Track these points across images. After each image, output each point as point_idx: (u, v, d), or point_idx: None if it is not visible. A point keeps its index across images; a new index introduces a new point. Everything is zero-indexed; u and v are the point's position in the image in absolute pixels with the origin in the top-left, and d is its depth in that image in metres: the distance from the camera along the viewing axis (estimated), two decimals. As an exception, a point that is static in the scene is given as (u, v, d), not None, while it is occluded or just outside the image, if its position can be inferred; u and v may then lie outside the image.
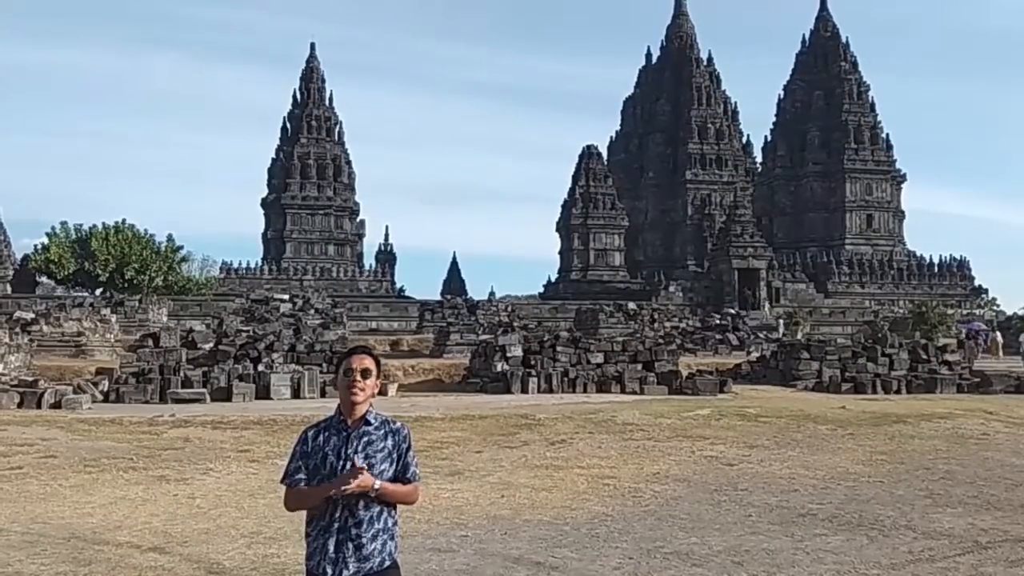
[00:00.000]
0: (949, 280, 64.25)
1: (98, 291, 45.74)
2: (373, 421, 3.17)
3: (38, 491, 8.17)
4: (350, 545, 3.07)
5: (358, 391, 3.14)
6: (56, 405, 15.65)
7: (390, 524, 3.16)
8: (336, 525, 3.08)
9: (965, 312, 54.06)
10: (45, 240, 50.35)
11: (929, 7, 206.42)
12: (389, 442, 3.16)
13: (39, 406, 15.57)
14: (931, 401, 18.24)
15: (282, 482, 3.19)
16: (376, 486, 3.06)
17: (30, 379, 18.17)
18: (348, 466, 3.07)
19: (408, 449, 3.20)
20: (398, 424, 3.22)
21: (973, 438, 12.54)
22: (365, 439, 3.13)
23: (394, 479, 3.15)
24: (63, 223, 50.88)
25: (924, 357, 23.39)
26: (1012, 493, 8.48)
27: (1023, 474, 9.61)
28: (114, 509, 7.42)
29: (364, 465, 3.06)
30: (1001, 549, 6.35)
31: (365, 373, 3.16)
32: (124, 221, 50.28)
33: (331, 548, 3.06)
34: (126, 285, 46.34)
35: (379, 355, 3.34)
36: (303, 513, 3.20)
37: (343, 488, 3.01)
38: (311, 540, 3.13)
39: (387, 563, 3.14)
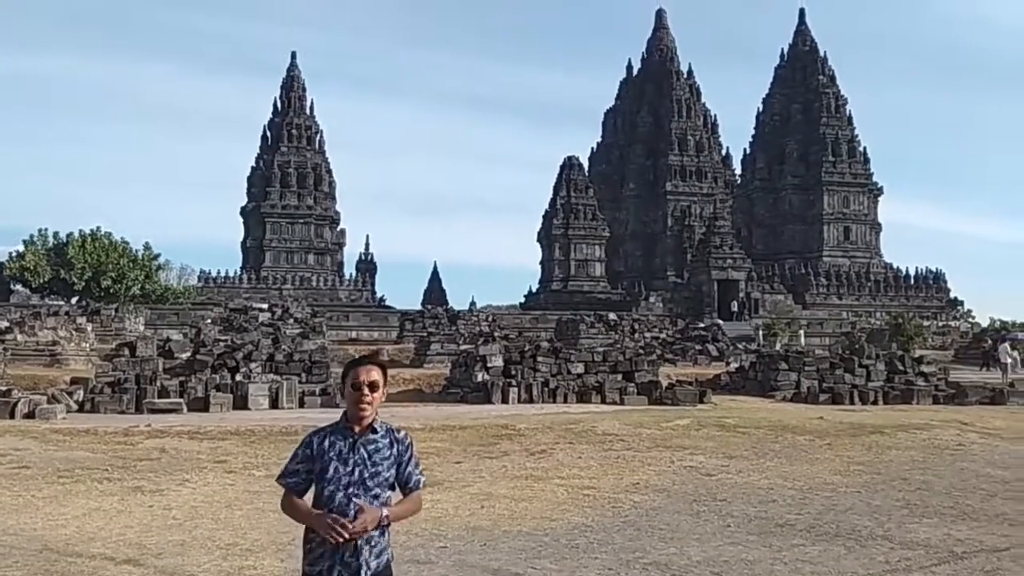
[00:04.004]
0: (925, 292, 65.04)
1: (74, 299, 45.18)
2: (379, 429, 3.21)
3: (10, 502, 8.05)
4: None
5: (366, 405, 3.16)
6: (30, 415, 15.45)
7: (388, 538, 3.21)
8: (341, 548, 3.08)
9: (941, 324, 54.62)
10: (21, 247, 49.68)
11: (906, 21, 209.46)
12: (394, 450, 3.21)
13: (12, 416, 15.35)
14: (908, 412, 18.43)
15: (278, 480, 3.22)
16: (385, 513, 3.10)
17: (3, 388, 17.90)
18: (354, 470, 3.10)
19: (410, 457, 3.24)
20: (403, 433, 3.27)
21: (949, 449, 12.66)
22: (371, 447, 3.17)
23: (393, 486, 3.20)
24: (40, 231, 50.26)
25: (901, 368, 23.60)
26: (987, 503, 8.56)
27: (998, 484, 9.70)
28: (88, 520, 7.32)
29: (364, 503, 3.08)
30: (977, 559, 6.41)
31: (372, 386, 3.18)
32: (100, 229, 49.77)
33: (339, 565, 3.07)
34: (102, 294, 45.81)
35: (385, 362, 3.34)
36: (285, 524, 3.19)
37: (353, 529, 3.01)
38: (313, 546, 3.12)
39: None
